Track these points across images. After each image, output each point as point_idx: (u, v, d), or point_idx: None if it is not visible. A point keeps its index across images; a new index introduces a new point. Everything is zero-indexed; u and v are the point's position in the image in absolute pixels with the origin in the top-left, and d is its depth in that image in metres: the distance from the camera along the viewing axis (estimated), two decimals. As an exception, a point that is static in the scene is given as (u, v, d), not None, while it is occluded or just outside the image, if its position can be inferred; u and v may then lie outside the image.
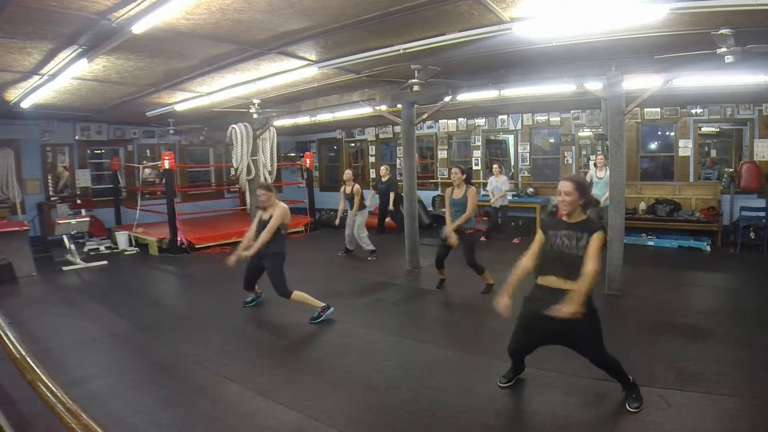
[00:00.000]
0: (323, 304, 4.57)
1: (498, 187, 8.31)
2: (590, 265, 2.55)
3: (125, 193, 10.17)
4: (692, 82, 5.51)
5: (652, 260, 6.78)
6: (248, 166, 8.41)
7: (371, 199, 8.80)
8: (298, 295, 4.54)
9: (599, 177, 7.23)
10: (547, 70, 5.33)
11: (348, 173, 7.64)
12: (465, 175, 5.07)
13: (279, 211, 4.50)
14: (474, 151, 10.37)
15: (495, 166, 8.60)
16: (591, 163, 8.02)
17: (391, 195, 8.77)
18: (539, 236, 2.81)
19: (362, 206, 7.43)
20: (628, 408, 2.76)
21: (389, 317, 4.79)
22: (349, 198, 7.42)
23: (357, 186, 7.40)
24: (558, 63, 5.22)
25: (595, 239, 2.60)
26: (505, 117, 9.82)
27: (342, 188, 7.56)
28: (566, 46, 4.49)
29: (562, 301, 2.51)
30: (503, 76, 5.68)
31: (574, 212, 2.74)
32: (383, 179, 8.86)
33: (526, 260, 2.83)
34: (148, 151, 10.72)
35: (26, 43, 4.15)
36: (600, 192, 7.13)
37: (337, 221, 7.58)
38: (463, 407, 2.84)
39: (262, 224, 4.54)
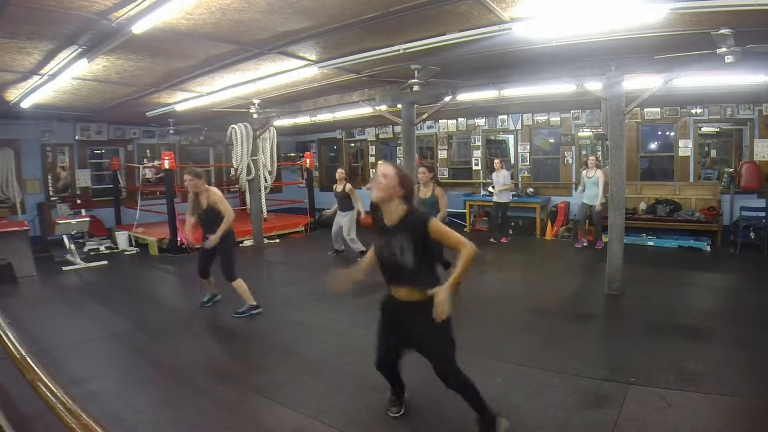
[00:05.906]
0: (254, 303, 4.74)
1: (499, 182, 8.39)
2: (463, 249, 2.23)
3: (125, 193, 10.17)
4: (692, 82, 5.52)
5: (652, 260, 6.78)
6: (248, 166, 8.42)
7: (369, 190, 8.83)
8: (239, 283, 4.67)
9: (588, 177, 7.59)
10: (546, 70, 5.33)
11: (340, 172, 7.58)
12: (432, 174, 5.04)
13: (218, 197, 4.58)
14: (474, 151, 10.38)
15: (496, 161, 8.66)
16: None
17: None
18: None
19: (351, 207, 7.31)
20: None
21: (389, 317, 4.78)
22: (339, 197, 7.36)
23: (349, 185, 7.30)
24: (558, 63, 5.22)
25: (434, 227, 2.27)
26: (505, 117, 9.82)
27: (334, 186, 7.54)
28: (566, 46, 4.49)
29: (409, 311, 2.38)
30: (503, 76, 5.68)
31: (390, 202, 2.33)
32: None
33: (369, 257, 2.60)
34: (148, 150, 10.72)
35: (26, 43, 4.15)
36: (589, 191, 7.57)
37: (326, 212, 7.66)
38: (463, 407, 2.83)
39: (206, 212, 4.56)
